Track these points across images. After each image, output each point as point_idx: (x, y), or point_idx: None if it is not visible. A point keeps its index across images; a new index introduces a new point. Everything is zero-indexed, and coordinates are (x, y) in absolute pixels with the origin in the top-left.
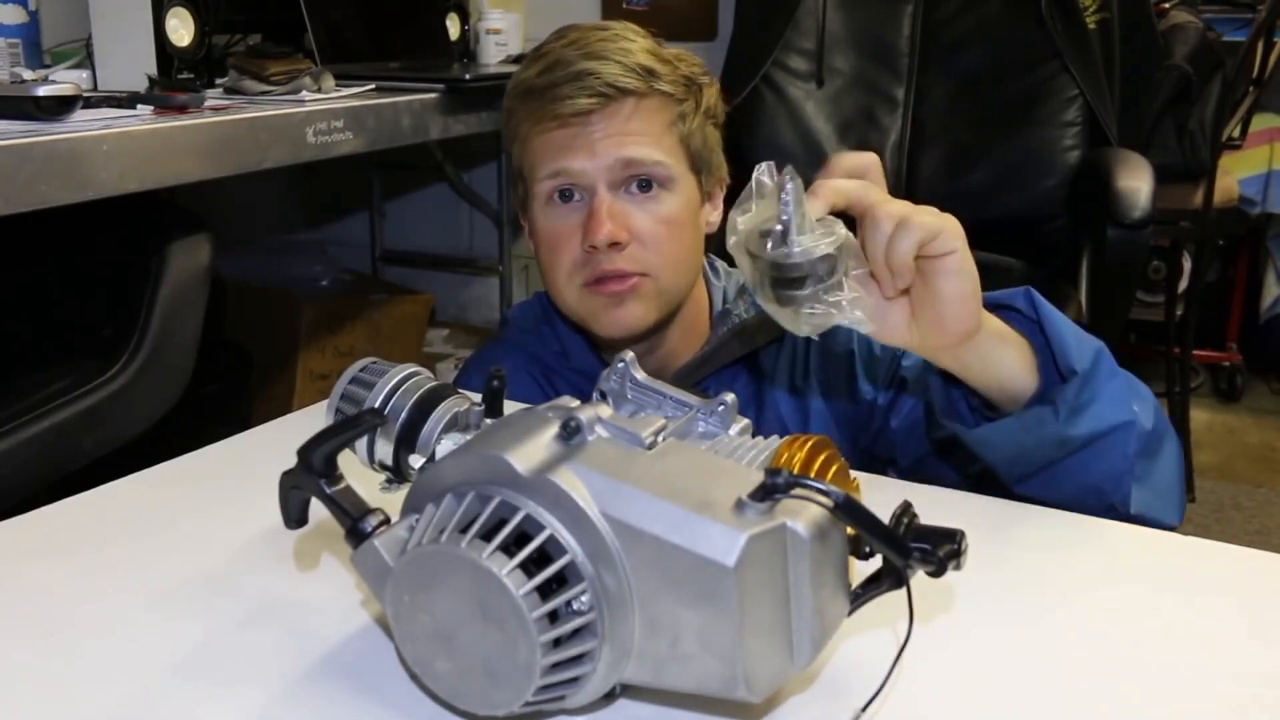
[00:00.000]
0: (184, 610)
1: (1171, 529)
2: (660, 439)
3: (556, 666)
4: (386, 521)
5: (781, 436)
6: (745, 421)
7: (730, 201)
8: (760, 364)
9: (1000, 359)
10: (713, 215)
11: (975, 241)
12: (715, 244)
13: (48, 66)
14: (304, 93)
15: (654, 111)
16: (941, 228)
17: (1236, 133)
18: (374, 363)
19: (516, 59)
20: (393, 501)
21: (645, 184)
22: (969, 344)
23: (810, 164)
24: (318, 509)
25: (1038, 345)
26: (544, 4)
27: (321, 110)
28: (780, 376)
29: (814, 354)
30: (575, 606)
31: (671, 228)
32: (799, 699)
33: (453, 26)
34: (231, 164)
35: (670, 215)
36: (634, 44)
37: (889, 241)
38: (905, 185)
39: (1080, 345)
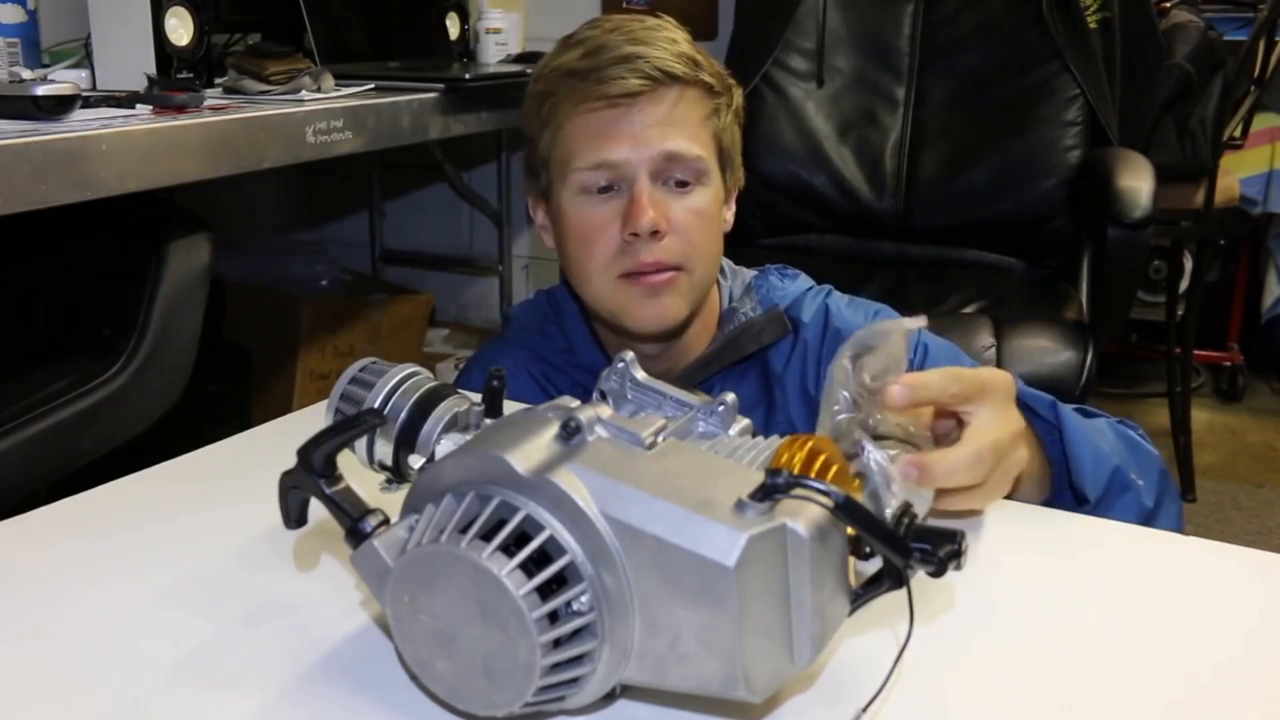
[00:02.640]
0: (183, 610)
1: None
2: (660, 439)
3: (556, 667)
4: (386, 521)
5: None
6: (745, 422)
7: (741, 202)
8: (770, 365)
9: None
10: (728, 214)
11: (975, 241)
12: None
13: (46, 66)
14: (303, 92)
15: (695, 102)
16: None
17: (1238, 132)
18: (374, 363)
19: (516, 59)
20: (393, 501)
21: (682, 179)
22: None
23: (810, 163)
24: (318, 509)
25: (1054, 456)
26: (544, 4)
27: (321, 110)
28: (791, 380)
29: (824, 361)
30: (575, 607)
31: (704, 220)
32: (799, 699)
33: (453, 26)
34: (231, 164)
35: (703, 208)
36: (678, 34)
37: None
38: (905, 185)
39: (1096, 468)
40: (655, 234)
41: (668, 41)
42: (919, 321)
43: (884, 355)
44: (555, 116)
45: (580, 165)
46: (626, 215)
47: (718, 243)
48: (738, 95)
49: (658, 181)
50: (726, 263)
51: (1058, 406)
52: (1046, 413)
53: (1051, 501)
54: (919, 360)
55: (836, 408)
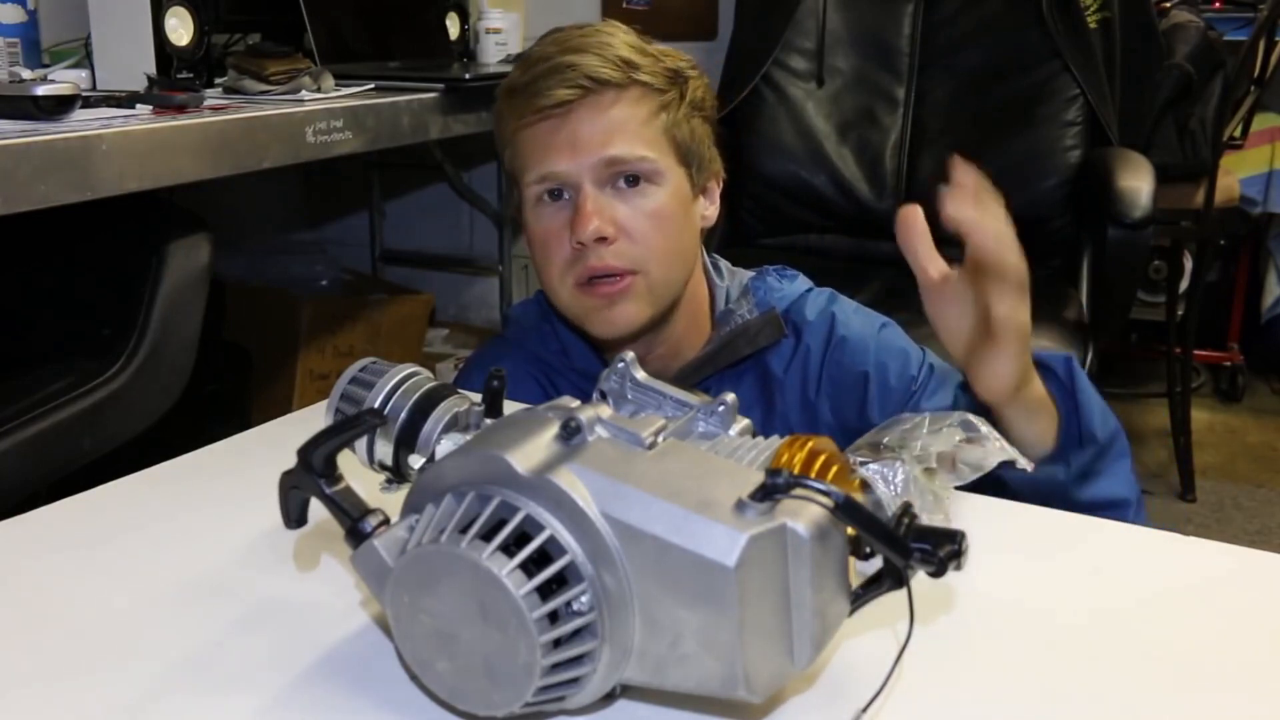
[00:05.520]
0: (183, 610)
1: None
2: (660, 439)
3: (557, 667)
4: (386, 521)
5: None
6: (745, 422)
7: (726, 198)
8: (770, 369)
9: (1033, 422)
10: (709, 210)
11: None
12: (717, 243)
13: (46, 66)
14: (303, 92)
15: (635, 103)
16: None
17: (1238, 132)
18: (374, 363)
19: (516, 59)
20: (393, 501)
21: (632, 179)
22: (1014, 401)
23: (810, 164)
24: (318, 509)
25: (1065, 410)
26: (544, 4)
27: (321, 110)
28: (791, 384)
29: (827, 369)
30: (575, 607)
31: (659, 221)
32: (799, 699)
33: (453, 26)
34: (231, 164)
35: (657, 209)
36: (614, 38)
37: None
38: (905, 185)
39: (1104, 420)
40: (603, 240)
41: (600, 47)
42: (1027, 464)
43: (976, 455)
44: (506, 133)
45: (529, 179)
46: (572, 224)
47: (682, 241)
48: (695, 87)
49: (605, 186)
50: (724, 264)
51: (1072, 363)
52: (1061, 371)
53: (1060, 452)
54: (924, 376)
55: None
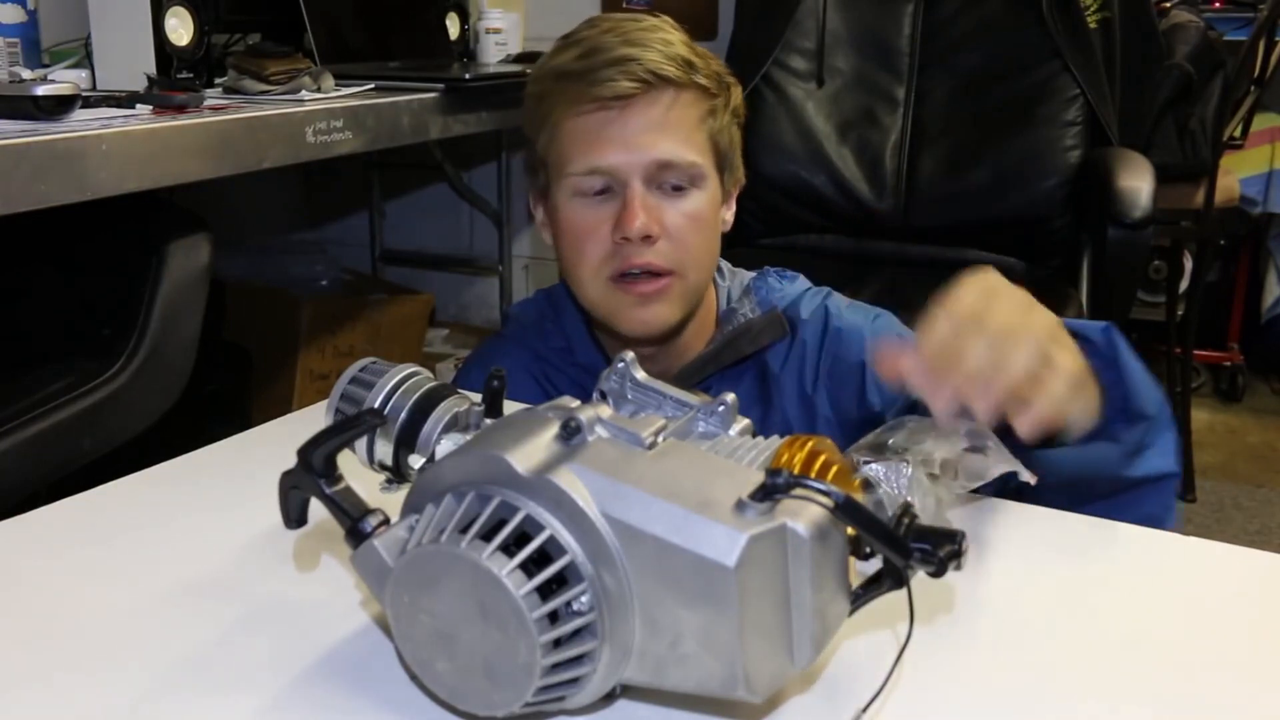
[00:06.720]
0: (183, 610)
1: None
2: (660, 439)
3: (556, 667)
4: (386, 521)
5: (783, 437)
6: (746, 422)
7: (741, 202)
8: (768, 365)
9: (1075, 403)
10: (728, 215)
11: (975, 241)
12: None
13: (46, 66)
14: (303, 92)
15: (689, 105)
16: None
17: (1238, 132)
18: (374, 363)
19: (517, 59)
20: (393, 501)
21: (677, 184)
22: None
23: (810, 164)
24: (318, 509)
25: (1107, 383)
26: (544, 4)
27: (321, 110)
28: (789, 380)
29: (824, 361)
30: (575, 607)
31: (699, 225)
32: (799, 699)
33: (452, 26)
34: (231, 164)
35: (698, 212)
36: (673, 35)
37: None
38: (905, 185)
39: (1150, 392)
40: (647, 239)
41: (662, 43)
42: (1029, 477)
43: (978, 464)
44: (550, 118)
45: (574, 170)
46: (618, 219)
47: (713, 245)
48: (736, 94)
49: (652, 185)
50: (725, 264)
51: (1112, 333)
52: (1100, 341)
53: (1105, 428)
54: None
55: (911, 434)
